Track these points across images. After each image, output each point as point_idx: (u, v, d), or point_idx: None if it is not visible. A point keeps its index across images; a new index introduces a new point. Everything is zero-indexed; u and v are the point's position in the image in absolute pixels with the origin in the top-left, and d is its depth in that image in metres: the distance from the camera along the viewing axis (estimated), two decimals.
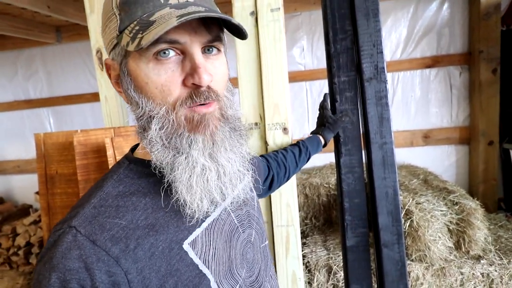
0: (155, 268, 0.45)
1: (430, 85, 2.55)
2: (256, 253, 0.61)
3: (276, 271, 1.06)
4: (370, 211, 1.15)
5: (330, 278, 1.73)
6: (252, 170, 0.55)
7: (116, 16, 0.46)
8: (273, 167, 0.90)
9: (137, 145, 0.57)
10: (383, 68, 1.11)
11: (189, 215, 0.48)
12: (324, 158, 2.68)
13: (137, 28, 0.43)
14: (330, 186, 2.16)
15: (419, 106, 2.58)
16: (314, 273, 1.75)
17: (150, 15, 0.44)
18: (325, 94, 1.14)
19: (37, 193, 2.76)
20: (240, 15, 1.07)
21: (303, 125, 2.73)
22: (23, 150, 3.20)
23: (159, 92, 0.46)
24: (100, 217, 0.45)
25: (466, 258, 1.64)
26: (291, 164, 0.95)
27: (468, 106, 2.51)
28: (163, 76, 0.45)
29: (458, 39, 2.47)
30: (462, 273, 1.57)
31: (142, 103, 0.47)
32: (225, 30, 0.49)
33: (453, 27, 2.46)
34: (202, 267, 0.50)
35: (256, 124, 1.08)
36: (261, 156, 0.90)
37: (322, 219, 2.20)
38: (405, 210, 1.66)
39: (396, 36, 2.54)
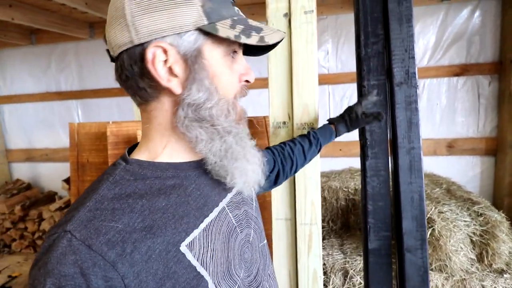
0: (152, 271, 0.45)
1: (457, 93, 2.50)
2: (255, 253, 0.61)
3: (297, 269, 1.08)
4: (393, 216, 1.15)
5: (346, 282, 1.72)
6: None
7: (195, 6, 0.48)
8: (279, 161, 0.89)
9: (133, 147, 0.57)
10: (414, 73, 1.11)
11: (239, 189, 0.56)
12: (343, 163, 2.68)
13: (241, 26, 0.50)
14: (349, 190, 2.15)
15: (444, 115, 2.53)
16: (330, 276, 1.75)
17: (243, 19, 0.52)
18: (366, 91, 1.11)
19: (64, 180, 2.87)
20: (274, 16, 1.10)
21: None
22: (52, 139, 3.34)
23: (228, 84, 0.52)
24: (95, 220, 0.44)
25: (488, 271, 1.60)
26: (299, 157, 0.94)
27: (496, 117, 2.45)
28: (231, 70, 0.53)
29: (488, 47, 2.41)
30: (483, 286, 1.54)
31: (214, 92, 0.50)
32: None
33: (484, 35, 2.41)
34: (200, 269, 0.49)
35: (284, 123, 1.10)
36: (267, 148, 0.91)
37: (339, 222, 2.19)
38: (427, 218, 1.64)
39: (424, 42, 2.51)
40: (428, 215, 1.65)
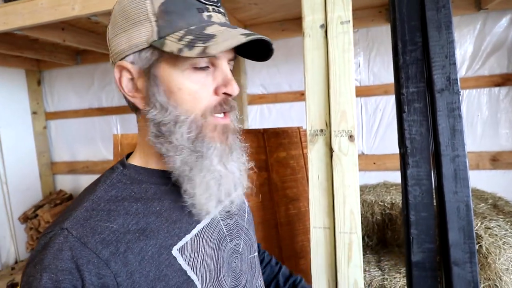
0: (145, 272, 0.46)
1: (499, 104, 2.39)
2: (244, 264, 0.62)
3: (336, 279, 1.05)
4: (438, 227, 1.10)
5: None
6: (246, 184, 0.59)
7: (151, 22, 0.48)
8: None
9: (131, 153, 0.59)
10: (456, 79, 1.08)
11: (196, 214, 0.53)
12: (377, 176, 2.60)
13: (190, 37, 0.47)
14: (385, 204, 2.08)
15: (486, 127, 2.41)
16: None
17: (200, 28, 0.49)
18: (405, 99, 1.06)
19: None
20: (311, 28, 1.13)
21: (357, 140, 2.68)
22: (92, 152, 3.54)
23: (191, 99, 0.50)
24: (91, 220, 0.46)
25: None
26: (264, 277, 0.87)
27: None
28: (198, 84, 0.50)
29: None
30: None
31: (171, 108, 0.49)
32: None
33: None
34: (190, 273, 0.50)
35: (321, 130, 1.11)
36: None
37: (375, 238, 2.12)
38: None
39: (461, 53, 2.44)
40: (474, 231, 1.55)
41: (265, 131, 1.46)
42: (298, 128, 1.56)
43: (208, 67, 0.51)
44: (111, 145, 1.98)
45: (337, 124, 1.07)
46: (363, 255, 2.01)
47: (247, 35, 0.48)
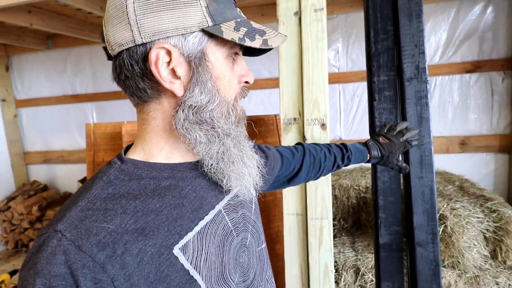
0: (144, 274, 0.44)
1: (469, 90, 2.48)
2: (251, 258, 0.60)
3: (308, 263, 1.09)
4: (404, 211, 1.15)
5: (358, 279, 1.72)
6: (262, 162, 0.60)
7: (201, 6, 0.47)
8: (307, 163, 0.86)
9: (129, 146, 0.56)
10: (425, 68, 1.12)
11: (236, 192, 0.55)
12: None
13: (245, 29, 0.50)
14: (360, 188, 2.15)
15: (457, 112, 2.51)
16: (342, 273, 1.75)
17: (246, 22, 0.52)
18: (377, 87, 1.11)
19: (80, 181, 2.95)
20: (285, 15, 1.12)
21: (334, 127, 2.74)
22: (68, 141, 3.44)
23: (228, 85, 0.52)
24: (87, 221, 0.44)
25: (502, 268, 1.58)
26: (326, 168, 0.90)
27: (510, 113, 2.41)
28: (231, 72, 0.53)
29: (501, 43, 2.38)
30: (497, 283, 1.52)
31: (216, 94, 0.50)
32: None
33: (496, 31, 2.38)
34: (193, 272, 0.49)
35: (294, 119, 1.12)
36: (300, 144, 0.89)
37: (351, 221, 2.19)
38: (439, 215, 1.63)
39: (435, 39, 2.49)
40: (441, 212, 1.64)
41: None
42: (275, 116, 1.57)
43: (236, 58, 0.54)
44: None
45: (309, 113, 1.09)
46: (339, 237, 2.08)
47: (282, 34, 0.54)
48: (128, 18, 0.47)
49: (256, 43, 0.49)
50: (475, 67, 2.43)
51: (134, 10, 0.46)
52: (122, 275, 0.42)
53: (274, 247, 1.45)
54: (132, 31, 0.47)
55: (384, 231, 1.11)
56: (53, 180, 3.58)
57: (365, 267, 1.71)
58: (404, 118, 1.10)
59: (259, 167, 0.56)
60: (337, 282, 1.77)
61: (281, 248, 1.47)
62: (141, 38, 0.46)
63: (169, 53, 0.47)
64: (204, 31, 0.48)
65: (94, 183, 0.48)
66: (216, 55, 0.50)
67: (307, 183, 1.08)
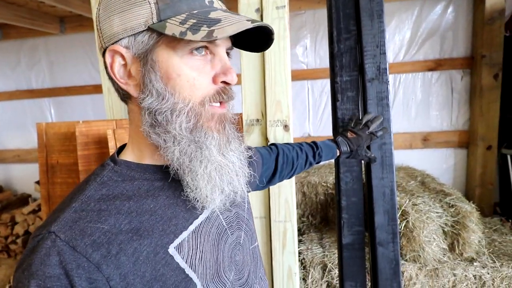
0: (140, 273, 0.44)
1: (431, 88, 2.57)
2: (246, 255, 0.61)
3: (272, 266, 1.08)
4: (367, 211, 1.17)
5: (325, 275, 1.75)
6: (251, 164, 0.57)
7: (149, 4, 0.45)
8: (280, 162, 0.86)
9: (123, 146, 0.55)
10: (386, 69, 1.12)
11: (200, 206, 0.50)
12: None
13: (194, 21, 0.45)
14: (328, 185, 2.17)
15: (419, 109, 2.59)
16: (309, 269, 1.77)
17: (204, 12, 0.47)
18: (339, 87, 1.12)
19: (37, 182, 2.77)
20: (245, 12, 1.08)
21: (303, 123, 2.75)
22: (24, 139, 3.21)
23: (189, 86, 0.47)
24: (81, 221, 0.44)
25: (459, 260, 1.66)
26: (299, 166, 0.92)
27: (468, 110, 2.53)
28: (196, 71, 0.47)
29: (461, 43, 2.48)
30: (454, 275, 1.59)
31: (168, 95, 0.47)
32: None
33: (456, 31, 2.47)
34: (189, 271, 0.49)
35: (257, 120, 1.09)
36: (273, 144, 0.88)
37: (319, 217, 2.22)
38: (401, 211, 1.68)
39: (399, 38, 2.55)
40: (403, 208, 1.69)
41: None
42: (240, 114, 1.54)
43: (206, 52, 0.49)
44: None
45: (272, 114, 1.06)
46: (307, 233, 2.10)
47: (253, 21, 0.47)
48: (97, 25, 0.50)
49: (198, 36, 0.44)
50: (436, 65, 2.52)
51: (99, 17, 0.49)
52: (117, 275, 0.43)
53: None
54: (100, 37, 0.49)
55: (347, 232, 1.11)
56: (9, 180, 3.34)
57: (332, 263, 1.74)
58: None
59: (237, 178, 0.52)
60: (304, 280, 1.78)
61: None
62: (104, 43, 0.49)
63: (121, 54, 0.48)
64: (151, 29, 0.46)
65: (88, 184, 0.48)
66: (170, 53, 0.47)
67: (271, 187, 1.06)
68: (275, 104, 1.06)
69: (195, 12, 0.47)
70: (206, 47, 0.48)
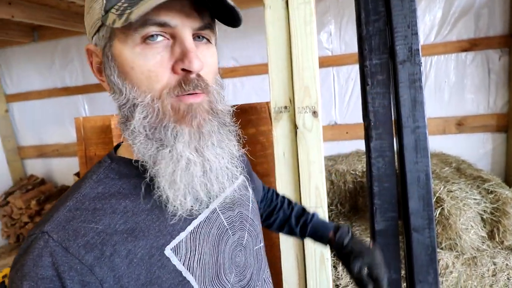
0: (134, 276, 0.43)
1: (466, 69, 2.43)
2: (248, 257, 0.58)
3: (304, 253, 1.09)
4: (400, 196, 1.14)
5: None
6: (242, 168, 0.51)
7: None
8: (263, 201, 0.81)
9: (121, 143, 0.53)
10: (418, 50, 1.08)
11: (171, 213, 0.46)
12: (350, 145, 2.65)
13: (125, 5, 0.40)
14: (357, 173, 2.14)
15: (453, 92, 2.47)
16: None
17: None
18: (369, 71, 1.01)
19: (76, 174, 2.93)
20: None
21: (329, 111, 2.70)
22: (62, 135, 3.40)
23: (145, 78, 0.43)
24: (74, 221, 0.42)
25: (499, 249, 1.59)
26: (278, 219, 0.80)
27: (507, 92, 2.38)
28: (151, 61, 0.42)
29: (498, 20, 2.32)
30: (495, 263, 1.53)
31: (126, 90, 0.44)
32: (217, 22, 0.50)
33: (493, 8, 2.32)
34: (186, 273, 0.47)
35: (285, 107, 1.09)
36: (269, 189, 0.84)
37: (348, 205, 2.19)
38: (435, 197, 1.63)
39: (430, 18, 2.43)
40: (437, 195, 1.63)
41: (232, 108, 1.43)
42: (267, 103, 1.54)
43: (165, 38, 0.43)
44: None
45: (300, 101, 1.06)
46: (336, 222, 2.08)
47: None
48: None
49: (120, 22, 0.39)
50: (471, 45, 2.38)
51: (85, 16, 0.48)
52: (111, 277, 0.41)
53: (271, 236, 1.45)
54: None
55: (379, 218, 1.10)
56: (50, 173, 3.56)
57: None
58: (397, 102, 1.07)
59: (219, 171, 0.46)
60: (335, 267, 1.78)
61: (277, 237, 1.47)
62: (88, 40, 0.49)
63: (94, 52, 0.47)
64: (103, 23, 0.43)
65: (84, 182, 0.46)
66: (123, 45, 0.43)
67: (301, 173, 1.06)
68: (303, 90, 1.06)
69: None
70: (163, 32, 0.42)
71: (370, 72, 1.11)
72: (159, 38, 0.42)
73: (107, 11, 0.42)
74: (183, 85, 0.43)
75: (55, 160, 3.47)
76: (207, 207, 0.51)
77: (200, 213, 0.50)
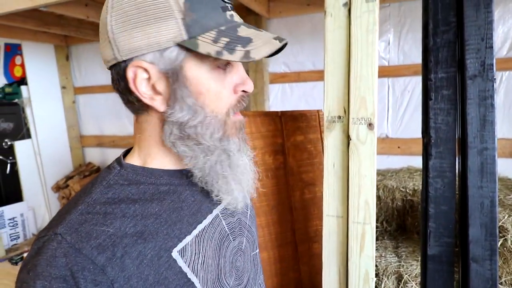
0: (143, 276, 0.45)
1: None
2: (246, 262, 0.61)
3: (347, 268, 1.05)
4: (458, 221, 1.05)
5: (400, 287, 1.63)
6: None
7: (176, 19, 0.45)
8: None
9: (128, 150, 0.57)
10: (492, 65, 0.99)
11: (232, 207, 0.55)
12: (401, 160, 2.52)
13: (226, 39, 0.46)
14: (407, 190, 2.02)
15: None
16: (382, 278, 1.67)
17: (231, 29, 0.47)
18: (433, 84, 0.99)
19: None
20: (333, 6, 1.06)
21: (381, 123, 2.59)
22: (119, 127, 3.65)
23: (217, 99, 0.49)
24: (87, 224, 0.44)
25: None
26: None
27: None
28: (221, 85, 0.50)
29: None
30: None
31: (199, 110, 0.48)
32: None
33: None
34: (191, 275, 0.49)
35: (339, 117, 1.07)
36: None
37: (394, 224, 2.08)
38: (498, 227, 1.48)
39: (503, 30, 2.23)
40: (500, 223, 1.48)
41: (282, 114, 1.43)
42: (318, 111, 1.52)
43: (229, 66, 0.51)
44: None
45: (356, 111, 1.02)
46: (381, 240, 1.98)
47: (279, 39, 0.49)
48: (108, 36, 0.47)
49: (236, 56, 0.45)
50: None
51: (112, 28, 0.46)
52: (122, 277, 0.43)
53: (312, 246, 1.42)
54: (112, 49, 0.47)
55: (433, 242, 1.02)
56: (105, 162, 3.84)
57: (409, 275, 1.61)
58: (464, 120, 1.00)
59: (253, 178, 0.56)
60: (376, 287, 1.69)
61: (318, 247, 1.44)
62: (120, 56, 0.47)
63: (146, 70, 0.47)
64: (180, 45, 0.46)
65: (94, 187, 0.49)
66: (198, 69, 0.47)
67: (350, 186, 1.02)
68: (359, 100, 1.02)
69: (223, 28, 0.47)
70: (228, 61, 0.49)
71: (435, 86, 1.04)
72: (229, 65, 0.50)
73: (191, 37, 0.45)
74: (241, 102, 0.53)
75: (110, 150, 3.73)
76: (210, 213, 0.55)
77: (205, 218, 0.54)
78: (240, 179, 0.53)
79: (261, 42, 0.47)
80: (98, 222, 0.45)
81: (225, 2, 0.49)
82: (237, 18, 0.51)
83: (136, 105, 0.51)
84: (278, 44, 0.48)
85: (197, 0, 0.46)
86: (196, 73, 0.48)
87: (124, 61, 0.47)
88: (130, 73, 0.47)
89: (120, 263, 0.43)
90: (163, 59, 0.47)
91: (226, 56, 0.45)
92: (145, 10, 0.45)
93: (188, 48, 0.46)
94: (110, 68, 0.50)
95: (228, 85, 0.51)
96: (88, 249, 0.42)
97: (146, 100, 0.49)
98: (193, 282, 0.50)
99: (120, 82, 0.50)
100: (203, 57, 0.47)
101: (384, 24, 2.49)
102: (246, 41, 0.47)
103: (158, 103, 0.49)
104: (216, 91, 0.49)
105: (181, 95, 0.48)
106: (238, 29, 0.48)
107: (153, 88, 0.48)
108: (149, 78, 0.48)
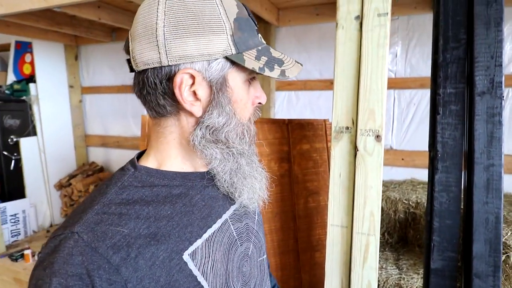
0: (155, 278, 0.45)
1: None
2: (253, 267, 0.62)
3: (350, 278, 1.05)
4: (462, 237, 1.06)
5: None
6: None
7: (227, 35, 0.49)
8: None
9: (142, 152, 0.59)
10: (500, 82, 1.01)
11: (245, 204, 0.59)
12: (404, 172, 2.52)
13: (265, 58, 0.52)
14: (410, 203, 2.02)
15: None
16: None
17: (265, 50, 0.54)
18: (441, 99, 1.03)
19: None
20: (345, 19, 1.08)
21: (386, 134, 2.60)
22: (123, 128, 3.67)
23: (244, 108, 0.55)
24: (102, 224, 0.45)
25: None
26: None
27: None
28: (247, 96, 0.56)
29: None
30: None
31: (233, 116, 0.53)
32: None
33: None
34: (200, 278, 0.50)
35: (347, 128, 1.08)
36: None
37: (396, 236, 2.07)
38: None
39: (511, 47, 2.24)
40: (503, 240, 1.48)
41: (289, 122, 1.44)
42: (324, 120, 1.53)
43: (252, 81, 0.58)
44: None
45: (364, 123, 1.03)
46: (382, 251, 1.98)
47: (298, 63, 0.58)
48: (157, 40, 0.48)
49: (275, 74, 0.53)
50: None
51: (164, 33, 0.47)
52: (135, 278, 0.44)
53: (314, 255, 1.42)
54: (159, 53, 0.48)
55: (437, 256, 1.02)
56: (109, 162, 3.85)
57: (409, 287, 1.61)
58: (471, 136, 1.01)
59: (266, 182, 0.61)
60: None
61: (321, 256, 1.44)
62: (168, 60, 0.48)
63: (192, 77, 0.50)
64: (227, 58, 0.51)
65: (109, 188, 0.50)
66: (236, 80, 0.53)
67: (356, 196, 1.03)
68: (368, 112, 1.04)
69: (260, 48, 0.54)
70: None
71: (443, 101, 1.05)
72: (253, 80, 0.57)
73: (238, 53, 0.51)
74: (257, 112, 0.60)
75: (114, 150, 3.75)
76: (220, 217, 0.57)
77: (215, 223, 0.55)
78: (260, 179, 0.58)
79: (290, 64, 0.55)
80: (114, 223, 0.46)
81: (256, 25, 0.55)
82: (262, 39, 0.58)
83: (166, 109, 0.52)
84: (300, 67, 0.56)
85: (243, 21, 0.51)
86: (235, 84, 0.53)
87: (170, 66, 0.49)
88: (178, 79, 0.49)
89: (134, 264, 0.44)
90: (210, 68, 0.50)
91: (267, 72, 0.52)
92: (200, 21, 0.48)
93: (233, 61, 0.51)
94: (144, 70, 0.50)
95: (251, 96, 0.57)
96: (104, 248, 0.43)
97: (187, 105, 0.51)
98: (202, 286, 0.50)
99: (156, 85, 0.50)
100: (242, 70, 0.53)
101: (392, 36, 2.51)
102: (280, 61, 0.54)
103: (197, 108, 0.52)
104: (245, 101, 0.55)
105: (222, 102, 0.52)
106: (270, 51, 0.55)
107: (194, 94, 0.51)
108: (191, 85, 0.50)
